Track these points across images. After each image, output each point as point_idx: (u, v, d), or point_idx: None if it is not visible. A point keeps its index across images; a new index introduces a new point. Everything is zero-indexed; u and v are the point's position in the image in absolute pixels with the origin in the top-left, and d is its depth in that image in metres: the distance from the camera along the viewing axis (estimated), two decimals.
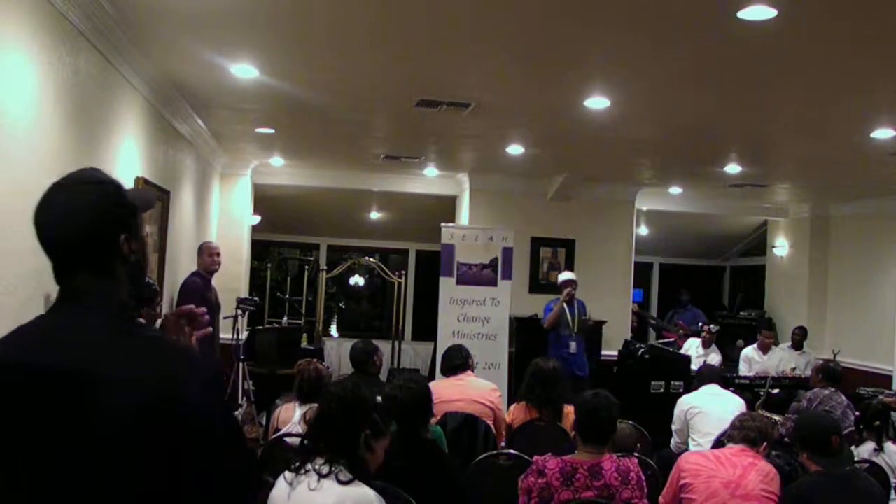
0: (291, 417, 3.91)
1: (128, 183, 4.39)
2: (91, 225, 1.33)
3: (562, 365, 6.66)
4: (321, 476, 2.28)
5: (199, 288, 5.78)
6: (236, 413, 5.92)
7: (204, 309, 1.61)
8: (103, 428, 1.21)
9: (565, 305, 7.03)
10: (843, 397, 5.20)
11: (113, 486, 1.21)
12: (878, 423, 4.40)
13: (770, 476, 3.24)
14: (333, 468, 2.29)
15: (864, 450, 4.35)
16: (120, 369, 1.24)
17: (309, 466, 2.33)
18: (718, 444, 3.94)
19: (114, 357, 1.26)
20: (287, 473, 2.38)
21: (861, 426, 4.58)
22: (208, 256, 6.04)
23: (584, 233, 8.82)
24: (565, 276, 7.28)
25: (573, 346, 6.95)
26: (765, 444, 3.43)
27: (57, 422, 1.23)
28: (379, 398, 2.59)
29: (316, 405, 3.91)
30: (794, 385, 7.70)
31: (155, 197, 1.43)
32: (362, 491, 2.28)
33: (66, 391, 1.23)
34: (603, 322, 8.36)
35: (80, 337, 1.28)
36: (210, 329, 1.65)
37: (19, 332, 1.36)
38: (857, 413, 4.87)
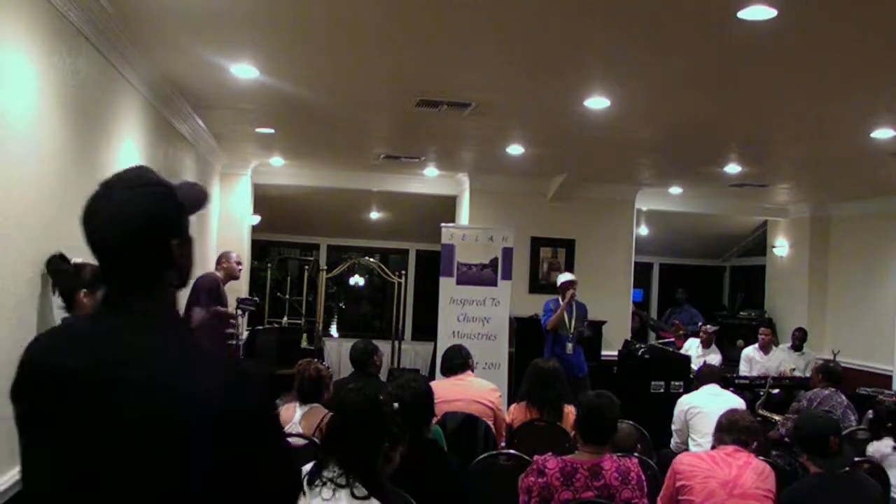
0: (291, 417, 3.91)
1: None
2: (145, 229, 1.29)
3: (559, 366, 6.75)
4: (337, 487, 2.21)
5: (216, 286, 5.87)
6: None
7: (233, 311, 1.61)
8: (132, 433, 1.20)
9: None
10: (844, 397, 5.21)
11: (166, 494, 1.21)
12: (890, 424, 4.39)
13: (765, 473, 3.25)
14: (350, 481, 2.21)
15: (884, 445, 4.34)
16: (179, 380, 1.23)
17: (324, 477, 2.25)
18: None
19: (173, 368, 1.24)
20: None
21: (876, 426, 4.57)
22: (236, 263, 6.21)
23: (584, 233, 8.82)
24: (565, 277, 7.22)
25: (570, 346, 6.94)
26: (755, 442, 3.45)
27: (113, 428, 1.21)
28: (396, 405, 2.50)
29: (315, 405, 3.94)
30: (794, 385, 7.69)
31: (205, 196, 1.38)
32: None
33: (123, 398, 1.21)
34: (603, 322, 8.36)
35: (139, 343, 1.26)
36: (232, 331, 1.67)
37: (72, 334, 1.35)
38: (870, 414, 4.85)
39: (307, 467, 2.34)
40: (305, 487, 2.25)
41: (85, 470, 1.22)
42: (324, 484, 2.24)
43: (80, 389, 1.24)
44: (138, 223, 1.29)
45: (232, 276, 6.20)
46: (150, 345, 1.26)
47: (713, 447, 3.53)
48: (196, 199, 1.41)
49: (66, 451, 1.23)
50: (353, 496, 2.20)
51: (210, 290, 5.70)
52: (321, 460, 2.32)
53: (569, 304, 6.94)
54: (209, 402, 1.22)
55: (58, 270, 3.07)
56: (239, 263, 6.31)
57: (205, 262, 6.78)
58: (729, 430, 3.43)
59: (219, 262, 6.27)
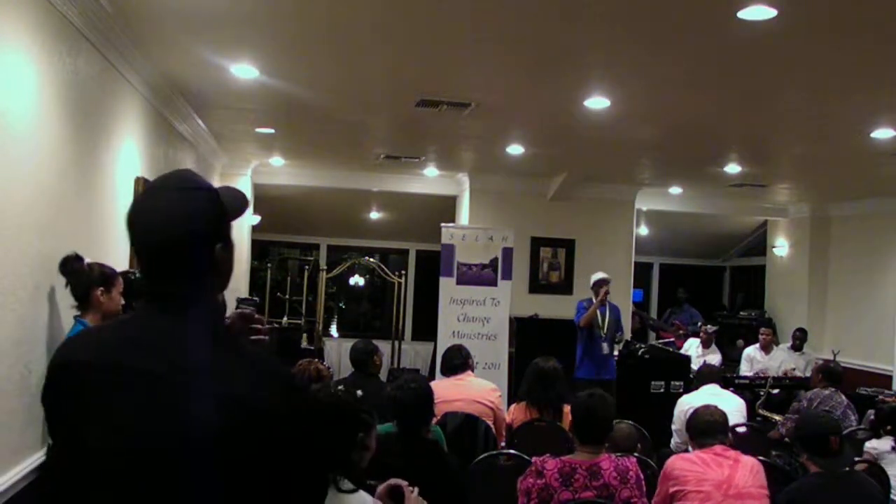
0: None
1: (128, 183, 4.40)
2: (193, 232, 1.30)
3: (594, 365, 6.74)
4: None
5: None
6: None
7: (262, 317, 1.62)
8: (196, 436, 1.21)
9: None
10: (844, 397, 5.21)
11: (200, 492, 1.22)
12: (890, 426, 4.39)
13: (755, 469, 3.25)
14: (330, 477, 2.21)
15: (884, 444, 4.35)
16: (219, 382, 1.24)
17: None
18: None
19: (215, 369, 1.26)
20: None
21: (877, 426, 4.57)
22: None
23: (584, 233, 8.82)
24: (598, 275, 7.09)
25: (605, 346, 6.86)
26: (728, 433, 3.46)
27: (156, 426, 1.22)
28: (360, 392, 2.50)
29: None
30: (794, 385, 7.70)
31: (245, 201, 1.40)
32: (361, 498, 2.25)
33: (168, 397, 1.23)
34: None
35: (174, 344, 1.27)
36: (266, 337, 1.68)
37: (121, 333, 1.35)
38: (871, 414, 4.85)
39: None
40: None
41: (138, 468, 1.23)
42: None
43: (138, 389, 1.24)
44: (188, 225, 1.29)
45: None
46: (205, 348, 1.27)
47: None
48: (237, 204, 1.42)
49: (120, 451, 1.23)
50: (339, 490, 2.21)
51: None
52: None
53: (602, 302, 6.87)
54: (265, 406, 1.25)
55: (73, 271, 3.08)
56: None
57: None
58: (708, 433, 3.40)
59: None
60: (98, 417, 1.25)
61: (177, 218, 1.29)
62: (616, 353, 7.12)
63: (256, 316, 1.58)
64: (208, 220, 1.32)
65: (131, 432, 1.23)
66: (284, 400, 1.30)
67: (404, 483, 2.47)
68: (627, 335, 8.75)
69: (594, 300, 6.93)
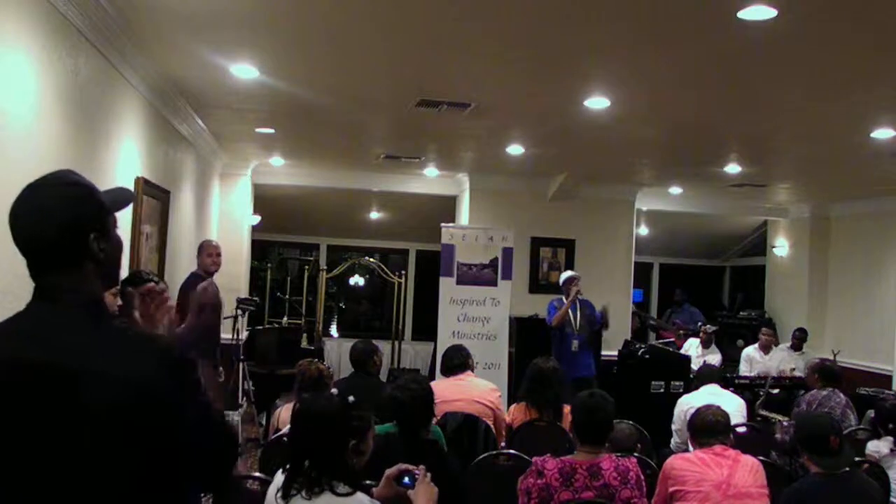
0: None
1: (128, 183, 4.40)
2: (61, 225, 1.38)
3: (564, 364, 6.77)
4: (313, 495, 2.21)
5: (199, 287, 5.69)
6: (237, 413, 5.90)
7: (164, 286, 1.69)
8: (80, 422, 1.27)
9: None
10: (842, 396, 5.17)
11: (95, 478, 1.28)
12: (892, 425, 4.38)
13: (755, 469, 3.25)
14: (325, 482, 2.23)
15: (884, 444, 4.35)
16: (91, 364, 1.30)
17: (297, 486, 2.25)
18: None
19: (84, 352, 1.32)
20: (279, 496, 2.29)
21: (877, 426, 4.56)
22: (207, 257, 5.75)
23: (584, 233, 8.82)
24: (567, 274, 7.29)
25: (575, 344, 6.96)
26: (730, 434, 3.46)
27: (36, 417, 1.29)
28: (351, 398, 2.48)
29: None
30: (794, 385, 7.69)
31: (130, 196, 1.51)
32: (357, 500, 2.25)
33: (43, 386, 1.29)
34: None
35: (53, 332, 1.35)
36: (172, 305, 1.73)
37: (10, 326, 1.41)
38: (872, 414, 4.83)
39: (278, 479, 2.34)
40: (280, 501, 2.26)
41: (29, 460, 1.28)
42: (299, 492, 2.24)
43: (18, 382, 1.30)
44: (56, 219, 1.37)
45: (207, 270, 5.69)
46: (57, 331, 1.35)
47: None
48: (118, 199, 1.52)
49: (8, 444, 1.29)
50: (336, 494, 2.20)
51: (185, 296, 5.36)
52: (291, 472, 2.30)
53: (573, 300, 6.95)
54: (109, 384, 1.29)
55: None
56: (215, 254, 5.70)
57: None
58: (709, 433, 3.40)
59: (198, 256, 5.82)
60: None
61: (43, 213, 1.38)
62: (590, 347, 7.13)
63: (155, 288, 1.66)
64: (76, 213, 1.39)
65: (22, 423, 1.29)
66: (168, 373, 1.36)
67: (413, 467, 2.47)
68: (627, 335, 8.76)
69: (564, 300, 7.01)
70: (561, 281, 7.28)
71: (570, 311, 6.99)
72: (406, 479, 2.43)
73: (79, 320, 1.36)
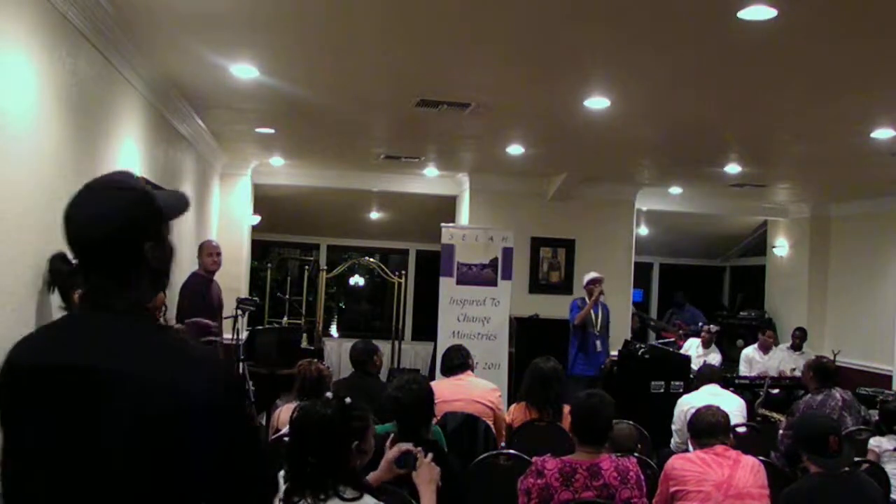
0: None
1: None
2: (117, 231, 1.35)
3: (585, 362, 7.06)
4: (319, 501, 2.18)
5: (199, 289, 5.71)
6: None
7: (215, 323, 1.66)
8: (117, 427, 1.25)
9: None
10: (839, 396, 5.02)
11: (126, 485, 1.25)
12: None
13: (756, 469, 3.25)
14: (330, 487, 2.19)
15: (887, 441, 4.34)
16: (134, 371, 1.27)
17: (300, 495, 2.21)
18: None
19: (129, 359, 1.29)
20: None
21: (882, 426, 4.56)
22: (207, 256, 5.81)
23: (584, 233, 8.82)
24: (591, 275, 7.42)
25: (599, 344, 7.21)
26: (730, 434, 3.47)
27: (77, 420, 1.26)
28: (348, 399, 2.45)
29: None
30: (794, 385, 7.69)
31: (186, 202, 1.47)
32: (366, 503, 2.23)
33: (85, 391, 1.26)
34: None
35: (100, 337, 1.32)
36: (214, 339, 1.71)
37: (47, 333, 1.40)
38: (877, 417, 4.82)
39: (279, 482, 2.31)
40: None
41: (76, 467, 1.26)
42: (303, 498, 2.21)
43: (68, 386, 1.28)
44: (112, 224, 1.34)
45: (208, 270, 5.75)
46: (104, 336, 1.32)
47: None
48: (175, 205, 1.48)
49: (57, 448, 1.27)
50: (342, 499, 2.18)
51: (193, 295, 5.45)
52: (293, 482, 2.26)
53: (596, 301, 7.19)
54: (195, 396, 1.27)
55: (55, 270, 3.08)
56: (215, 254, 5.79)
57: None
58: (709, 433, 3.40)
59: (199, 256, 5.87)
60: (32, 418, 1.29)
61: (99, 217, 1.34)
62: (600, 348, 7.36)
63: (212, 327, 1.64)
64: (133, 218, 1.36)
65: (62, 430, 1.27)
66: (213, 388, 1.31)
67: (413, 448, 2.45)
68: (627, 335, 8.76)
69: (587, 299, 7.25)
70: (584, 281, 7.45)
71: (592, 312, 7.22)
72: (406, 461, 2.41)
73: (124, 327, 1.33)
